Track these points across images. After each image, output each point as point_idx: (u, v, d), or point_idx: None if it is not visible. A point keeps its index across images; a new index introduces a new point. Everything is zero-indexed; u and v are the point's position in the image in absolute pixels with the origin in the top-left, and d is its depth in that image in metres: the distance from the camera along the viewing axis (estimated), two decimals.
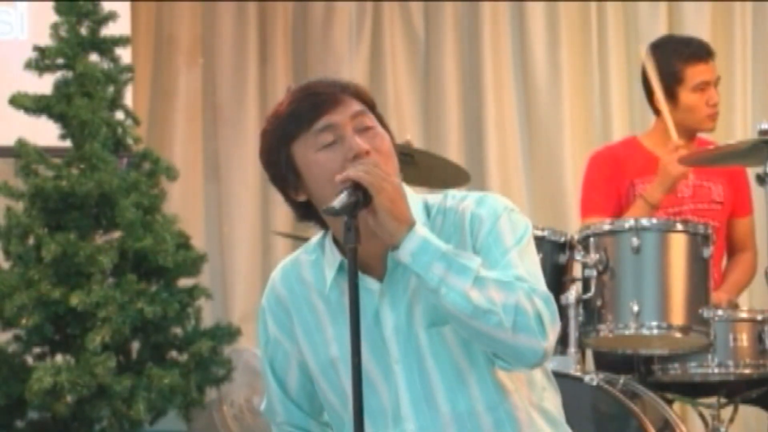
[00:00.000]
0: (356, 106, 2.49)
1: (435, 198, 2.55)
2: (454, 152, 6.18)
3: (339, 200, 2.34)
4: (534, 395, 2.52)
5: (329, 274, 2.53)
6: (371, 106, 2.53)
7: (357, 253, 2.33)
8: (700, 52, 4.46)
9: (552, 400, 2.57)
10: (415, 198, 2.52)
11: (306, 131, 2.46)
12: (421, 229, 2.37)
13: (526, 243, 2.46)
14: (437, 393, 2.46)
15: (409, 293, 2.48)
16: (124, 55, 5.41)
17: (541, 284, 2.41)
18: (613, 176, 4.44)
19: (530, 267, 2.43)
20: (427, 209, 2.53)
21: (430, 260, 2.35)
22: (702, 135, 4.60)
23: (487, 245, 2.44)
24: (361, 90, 2.53)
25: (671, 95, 4.40)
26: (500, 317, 2.33)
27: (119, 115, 5.26)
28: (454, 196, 2.54)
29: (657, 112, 4.50)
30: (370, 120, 2.49)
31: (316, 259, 2.57)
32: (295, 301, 2.58)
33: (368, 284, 2.47)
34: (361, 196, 2.35)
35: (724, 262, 4.59)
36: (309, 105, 2.47)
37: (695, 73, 4.40)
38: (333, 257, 2.52)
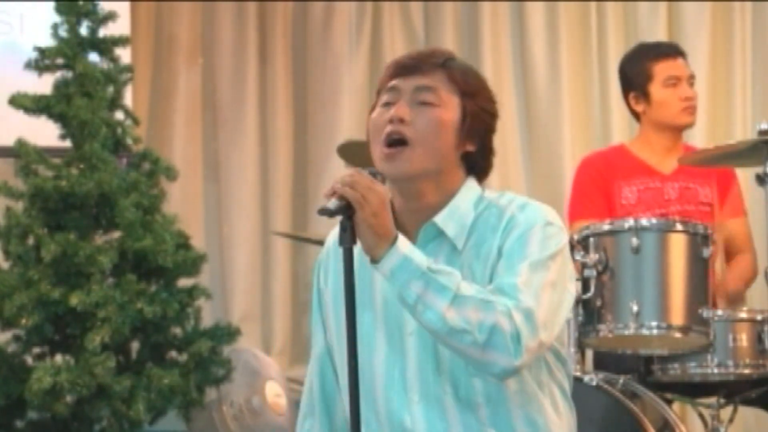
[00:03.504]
0: (429, 81, 2.53)
1: (493, 193, 2.58)
2: None
3: (332, 203, 2.38)
4: (538, 400, 2.51)
5: None
6: (466, 91, 2.54)
7: (352, 253, 2.38)
8: (666, 49, 4.59)
9: (564, 417, 2.55)
10: (472, 190, 2.56)
11: (383, 87, 2.57)
12: (404, 245, 2.39)
13: (548, 258, 2.45)
14: (444, 373, 2.48)
15: None
16: (124, 55, 5.40)
17: (534, 299, 2.39)
18: (602, 180, 4.48)
19: (536, 280, 2.42)
20: (479, 202, 2.55)
21: (409, 278, 2.37)
22: (689, 142, 4.63)
23: (510, 250, 2.46)
24: (459, 72, 2.55)
25: (644, 94, 4.50)
26: (474, 336, 2.35)
27: (119, 115, 5.25)
28: (508, 196, 2.57)
29: (637, 117, 4.57)
30: (435, 98, 2.53)
31: None
32: (334, 255, 2.62)
33: None
34: (346, 207, 2.38)
35: (718, 265, 4.57)
36: (395, 65, 2.58)
37: (663, 69, 4.48)
38: None
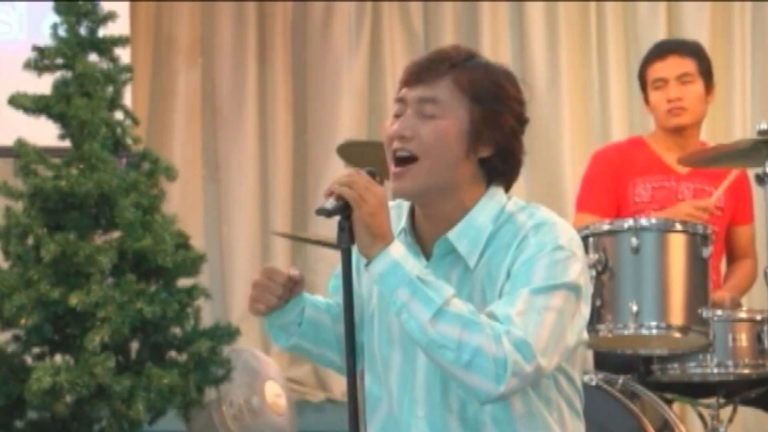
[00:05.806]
0: (432, 91, 2.46)
1: (516, 206, 2.49)
2: None
3: (330, 203, 2.38)
4: (545, 420, 2.47)
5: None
6: (476, 95, 2.45)
7: (351, 254, 2.38)
8: (657, 50, 4.52)
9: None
10: (492, 201, 2.49)
11: (396, 96, 2.52)
12: (397, 250, 2.36)
13: (553, 285, 2.37)
14: (453, 391, 2.45)
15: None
16: (124, 55, 5.40)
17: (531, 326, 2.32)
18: (614, 175, 4.45)
19: (537, 305, 2.34)
20: (499, 215, 2.47)
21: (396, 284, 2.34)
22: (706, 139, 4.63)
23: (516, 273, 2.40)
24: (467, 75, 2.46)
25: (645, 98, 4.51)
26: (455, 355, 2.30)
27: (118, 115, 5.25)
28: (530, 210, 2.48)
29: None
30: (437, 110, 2.45)
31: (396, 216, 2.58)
32: None
33: None
34: (344, 207, 2.37)
35: (723, 267, 4.58)
36: (404, 71, 2.52)
37: (652, 72, 4.47)
38: (398, 222, 2.54)
